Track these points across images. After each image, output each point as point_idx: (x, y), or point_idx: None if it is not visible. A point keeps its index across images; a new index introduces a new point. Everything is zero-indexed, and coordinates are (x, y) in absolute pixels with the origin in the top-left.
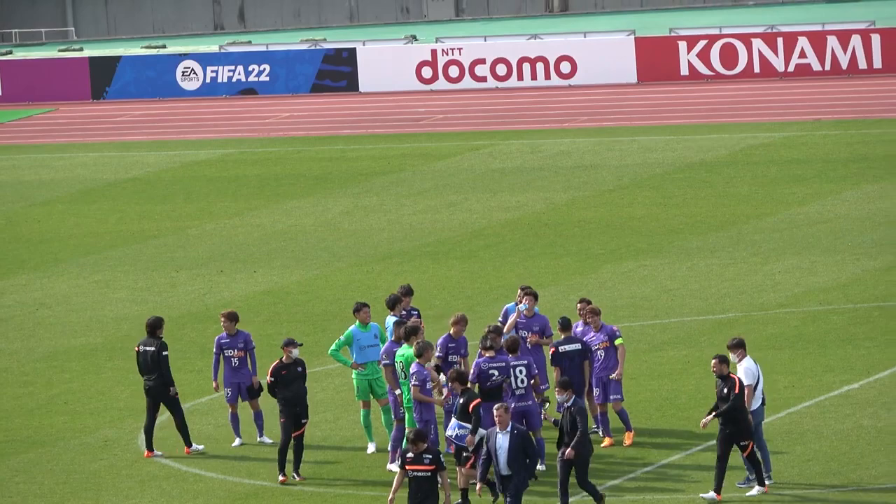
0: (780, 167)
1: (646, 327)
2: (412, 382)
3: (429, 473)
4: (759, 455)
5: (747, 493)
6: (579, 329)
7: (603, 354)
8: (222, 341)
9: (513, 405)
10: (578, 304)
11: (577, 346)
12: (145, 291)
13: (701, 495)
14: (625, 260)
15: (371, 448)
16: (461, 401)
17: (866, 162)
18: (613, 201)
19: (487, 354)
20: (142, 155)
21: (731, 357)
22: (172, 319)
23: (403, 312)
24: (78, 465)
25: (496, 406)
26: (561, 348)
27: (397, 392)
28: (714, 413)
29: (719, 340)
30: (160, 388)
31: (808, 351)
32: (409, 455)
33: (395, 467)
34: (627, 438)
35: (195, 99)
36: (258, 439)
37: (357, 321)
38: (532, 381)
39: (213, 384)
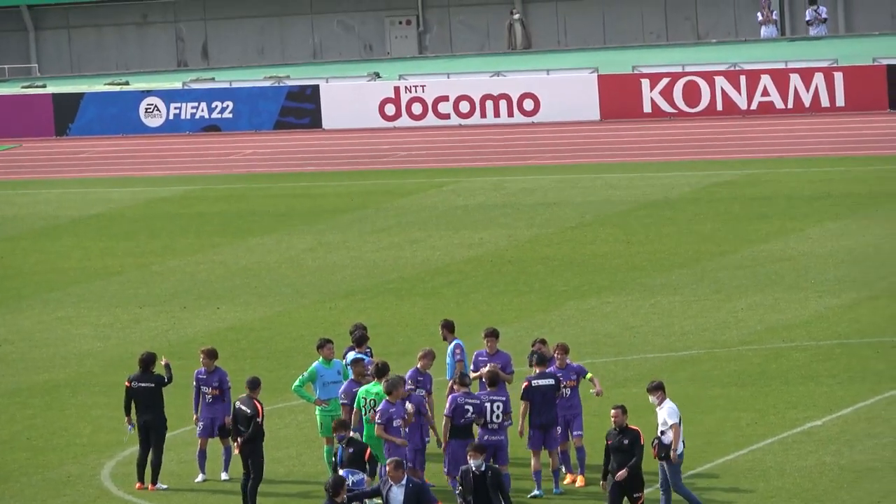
0: (743, 204)
1: (608, 364)
2: (377, 420)
3: None
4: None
5: None
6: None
7: (569, 393)
8: (200, 377)
9: (485, 438)
10: (534, 346)
11: (551, 381)
12: (108, 328)
13: None
14: (588, 297)
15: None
16: (350, 451)
17: (829, 199)
18: (576, 238)
19: (462, 390)
20: (105, 191)
21: (651, 399)
22: (135, 356)
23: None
24: (41, 501)
25: (388, 462)
26: (534, 382)
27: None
28: (615, 471)
29: (681, 377)
30: (155, 424)
31: (770, 388)
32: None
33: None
34: (580, 481)
35: (158, 135)
36: (221, 476)
37: (321, 357)
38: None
39: (194, 416)
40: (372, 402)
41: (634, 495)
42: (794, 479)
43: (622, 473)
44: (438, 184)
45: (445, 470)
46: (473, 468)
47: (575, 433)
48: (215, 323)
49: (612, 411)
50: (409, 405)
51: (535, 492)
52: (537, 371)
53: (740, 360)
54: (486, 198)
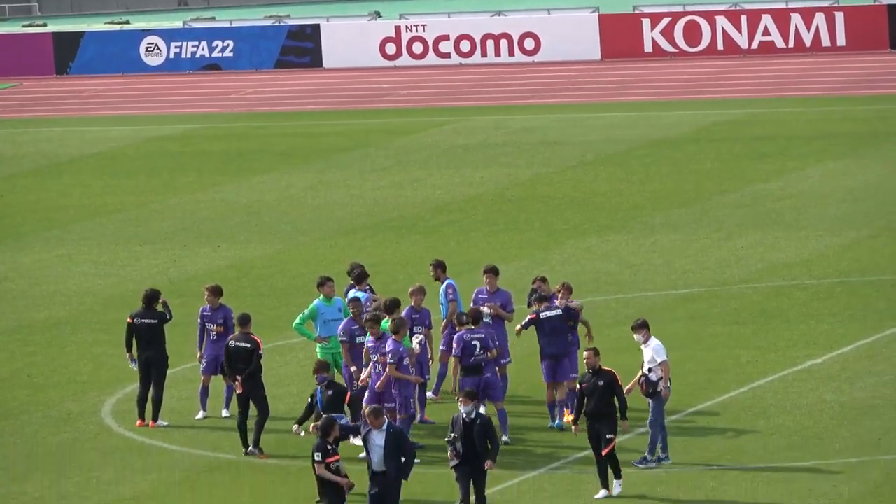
0: (743, 144)
1: (609, 302)
2: (388, 360)
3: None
4: (654, 435)
5: (612, 493)
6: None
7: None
8: (205, 314)
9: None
10: (534, 283)
11: (559, 311)
12: (109, 265)
13: (595, 497)
14: (588, 235)
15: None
16: (330, 393)
17: (829, 139)
18: (577, 177)
19: (466, 328)
20: (105, 130)
21: (636, 338)
22: (136, 294)
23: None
24: (41, 438)
25: (367, 410)
26: (542, 314)
27: (352, 369)
28: (589, 414)
29: (682, 315)
30: (157, 360)
31: (771, 326)
32: (330, 447)
33: (358, 441)
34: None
35: (159, 74)
36: (222, 413)
37: (321, 295)
38: (488, 354)
39: (198, 353)
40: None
41: (607, 437)
42: (795, 416)
43: (625, 426)
44: (439, 123)
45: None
46: (464, 415)
47: (571, 375)
48: (215, 261)
49: (585, 353)
50: (414, 343)
51: (554, 423)
52: (543, 306)
53: (741, 298)
54: (486, 137)
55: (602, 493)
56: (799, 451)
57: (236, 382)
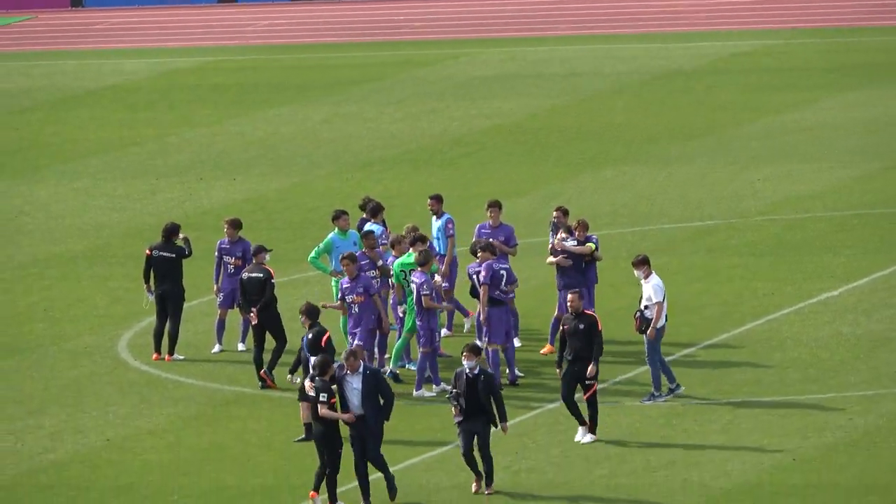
0: (759, 75)
1: (625, 234)
2: (423, 292)
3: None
4: (655, 372)
5: (583, 440)
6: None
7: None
8: (223, 247)
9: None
10: (555, 213)
11: (574, 242)
12: (125, 199)
13: (575, 439)
14: (604, 167)
15: None
16: (310, 336)
17: (845, 70)
18: (593, 109)
19: (493, 258)
20: (121, 62)
21: (637, 274)
22: (152, 227)
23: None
24: (58, 371)
25: (345, 353)
26: (553, 243)
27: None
28: (570, 357)
29: (699, 247)
30: (172, 293)
31: (787, 258)
32: (334, 386)
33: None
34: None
35: (175, 7)
36: (238, 346)
37: (336, 228)
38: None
39: (215, 287)
40: (404, 273)
41: (587, 381)
42: (811, 348)
43: (592, 370)
44: (455, 54)
45: (486, 339)
46: (467, 370)
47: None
48: (231, 194)
49: (569, 295)
50: (437, 278)
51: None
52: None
53: (757, 230)
54: (503, 68)
55: (580, 431)
56: (815, 383)
57: (252, 314)
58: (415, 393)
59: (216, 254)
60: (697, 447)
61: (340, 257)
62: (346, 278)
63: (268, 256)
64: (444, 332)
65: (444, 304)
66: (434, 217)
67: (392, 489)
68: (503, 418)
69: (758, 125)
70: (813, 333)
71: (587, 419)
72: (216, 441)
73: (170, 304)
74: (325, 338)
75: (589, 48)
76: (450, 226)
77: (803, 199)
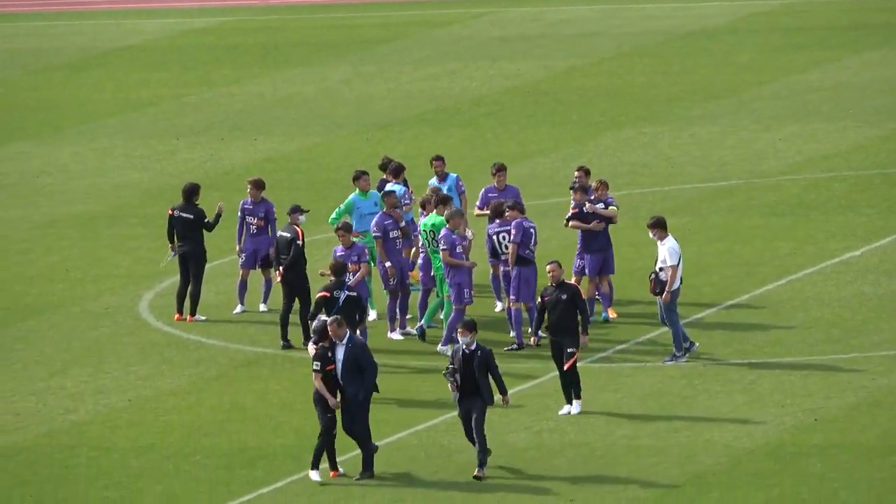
0: (780, 35)
1: (646, 195)
2: (441, 247)
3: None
4: (675, 332)
5: (572, 411)
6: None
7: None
8: (245, 207)
9: (502, 269)
10: (576, 173)
11: (600, 206)
12: (144, 159)
13: (559, 413)
14: (625, 127)
15: (372, 315)
16: (317, 296)
17: (867, 29)
18: (614, 69)
19: (522, 216)
20: (139, 23)
21: (651, 235)
22: (173, 188)
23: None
24: (79, 332)
25: (330, 321)
26: (584, 209)
27: (387, 264)
28: (551, 327)
29: (720, 207)
30: (193, 254)
31: (809, 218)
32: (331, 355)
33: (395, 335)
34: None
35: None
36: (260, 307)
37: (357, 189)
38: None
39: (237, 247)
40: (431, 233)
41: (568, 350)
42: (833, 308)
43: (584, 341)
44: (476, 14)
45: (513, 297)
46: (463, 346)
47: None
48: (252, 154)
49: (548, 266)
50: (469, 232)
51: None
52: (576, 200)
53: (779, 190)
54: (523, 28)
55: (566, 408)
56: (837, 343)
57: (277, 272)
58: (439, 347)
59: (238, 214)
60: (720, 407)
61: (335, 228)
62: (341, 246)
63: (303, 217)
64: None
65: (467, 262)
66: (437, 178)
67: (368, 465)
68: (503, 391)
69: (779, 85)
70: (835, 293)
71: (572, 390)
72: (237, 401)
73: (191, 264)
74: (321, 295)
75: (609, 8)
76: (461, 183)
77: (825, 158)
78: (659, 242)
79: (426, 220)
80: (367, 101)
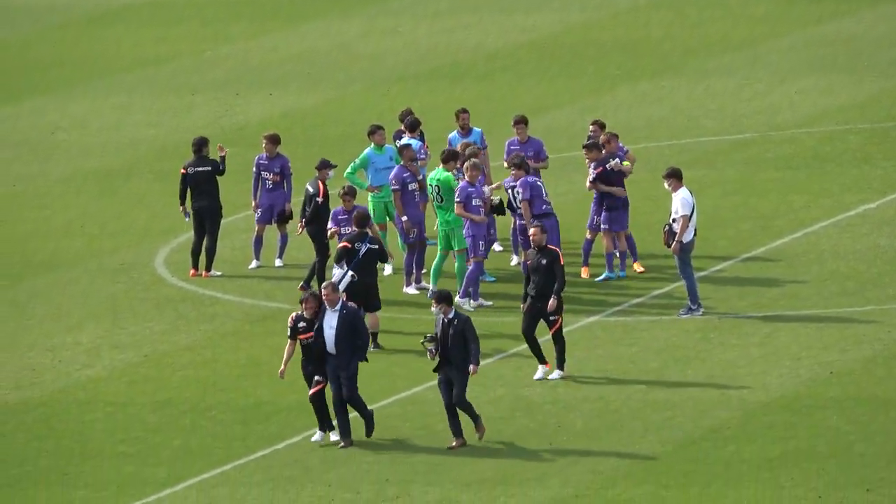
0: None
1: (662, 148)
2: (455, 199)
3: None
4: (690, 285)
5: (549, 376)
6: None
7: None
8: (261, 162)
9: (517, 223)
10: (591, 127)
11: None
12: (161, 114)
13: (534, 377)
14: (641, 80)
15: (388, 270)
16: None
17: None
18: (629, 22)
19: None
20: None
21: (665, 186)
22: (189, 144)
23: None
24: (95, 287)
25: (324, 285)
26: (607, 166)
27: (404, 219)
28: (533, 292)
29: (735, 160)
30: (209, 209)
31: (825, 170)
32: (302, 324)
33: (410, 290)
34: (638, 267)
35: None
36: (276, 262)
37: (372, 143)
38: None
39: (252, 202)
40: (437, 188)
41: (551, 318)
42: (849, 261)
43: (552, 304)
44: None
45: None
46: (442, 316)
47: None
48: (268, 109)
49: (531, 230)
50: (486, 188)
51: (606, 273)
52: (590, 158)
53: (794, 142)
54: None
55: (540, 371)
56: (853, 296)
57: (300, 224)
58: (457, 299)
59: (254, 169)
60: (735, 361)
61: (340, 192)
62: (342, 207)
63: (331, 173)
64: (497, 247)
65: (478, 216)
66: (459, 131)
67: (370, 426)
68: (475, 361)
69: (795, 37)
70: (851, 246)
71: (555, 357)
72: (253, 356)
73: (207, 219)
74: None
75: None
76: (484, 138)
77: (840, 111)
78: (673, 194)
79: (433, 175)
80: (382, 55)
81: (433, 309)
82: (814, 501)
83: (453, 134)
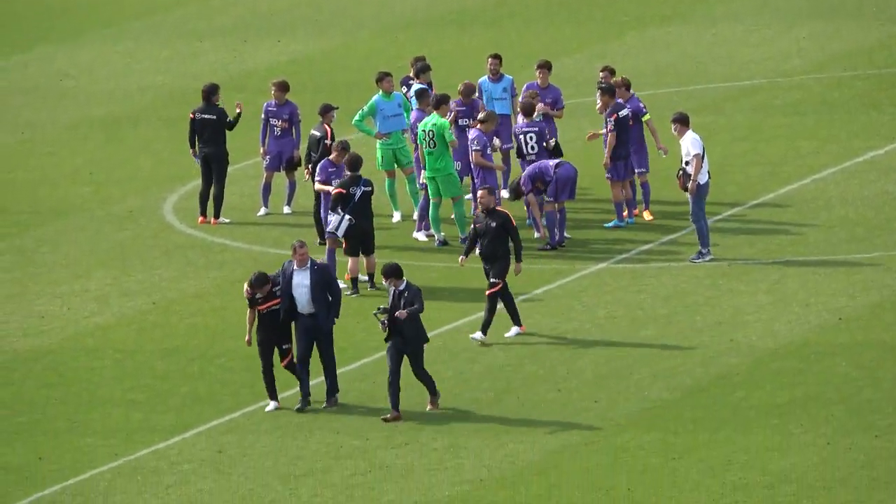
0: None
1: (670, 94)
2: (473, 147)
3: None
4: (701, 229)
5: (505, 334)
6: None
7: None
8: (269, 109)
9: (527, 168)
10: (601, 73)
11: (628, 110)
12: (169, 61)
13: (505, 335)
14: (649, 26)
15: (396, 217)
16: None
17: None
18: None
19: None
20: None
21: (672, 131)
22: (196, 90)
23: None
24: (104, 235)
25: (293, 243)
26: (621, 113)
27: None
28: (483, 254)
29: (744, 107)
30: (216, 156)
31: (832, 117)
32: (259, 296)
33: (420, 236)
34: (648, 215)
35: None
36: (284, 209)
37: (380, 90)
38: (545, 145)
39: (261, 149)
40: (430, 133)
41: (492, 280)
42: (857, 207)
43: (518, 267)
44: None
45: (551, 198)
46: (393, 288)
47: (638, 170)
48: (276, 56)
49: (479, 192)
50: (496, 140)
51: (614, 222)
52: (603, 101)
53: (802, 89)
54: None
55: (514, 329)
56: (861, 242)
57: (307, 169)
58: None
59: (262, 116)
60: (744, 307)
61: (334, 145)
62: (329, 160)
63: (334, 115)
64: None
65: (496, 164)
66: (489, 76)
67: (332, 396)
68: (408, 311)
69: None
70: (859, 192)
71: (483, 319)
72: None
73: (214, 166)
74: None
75: None
76: (514, 86)
77: (848, 56)
78: (680, 139)
79: (426, 120)
80: (390, 1)
81: (384, 283)
82: (822, 447)
83: (483, 79)
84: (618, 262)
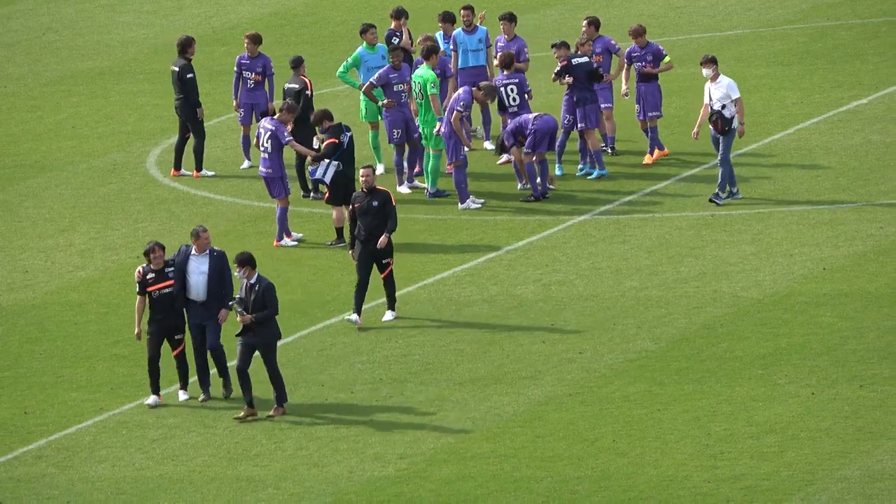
0: None
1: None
2: (457, 107)
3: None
4: (732, 171)
5: (383, 318)
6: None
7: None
8: (242, 62)
9: (509, 120)
10: (585, 21)
11: (586, 58)
12: (151, 14)
13: (382, 319)
14: None
15: (380, 169)
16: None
17: None
18: None
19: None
20: None
21: (704, 72)
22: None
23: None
24: (87, 189)
25: (193, 231)
26: (573, 61)
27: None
28: (362, 236)
29: (727, 57)
30: (185, 108)
31: (816, 66)
32: (151, 276)
33: (403, 189)
34: (648, 158)
35: None
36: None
37: (364, 42)
38: (526, 96)
39: (234, 103)
40: (418, 84)
41: (384, 261)
42: (840, 157)
43: (383, 241)
44: None
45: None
46: (246, 282)
47: (650, 113)
48: (259, 8)
49: (362, 170)
50: (460, 90)
51: (597, 171)
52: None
53: (785, 38)
54: None
55: (388, 314)
56: (844, 192)
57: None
58: (460, 206)
59: (235, 69)
60: (727, 258)
61: (281, 105)
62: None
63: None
64: (487, 144)
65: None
66: (463, 28)
67: (227, 383)
68: (259, 318)
69: None
70: (842, 142)
71: (387, 298)
72: None
73: (183, 118)
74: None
75: None
76: (488, 37)
77: (831, 6)
78: (711, 81)
79: (417, 73)
80: None
81: (237, 273)
82: (807, 398)
83: (458, 31)
84: (601, 213)
